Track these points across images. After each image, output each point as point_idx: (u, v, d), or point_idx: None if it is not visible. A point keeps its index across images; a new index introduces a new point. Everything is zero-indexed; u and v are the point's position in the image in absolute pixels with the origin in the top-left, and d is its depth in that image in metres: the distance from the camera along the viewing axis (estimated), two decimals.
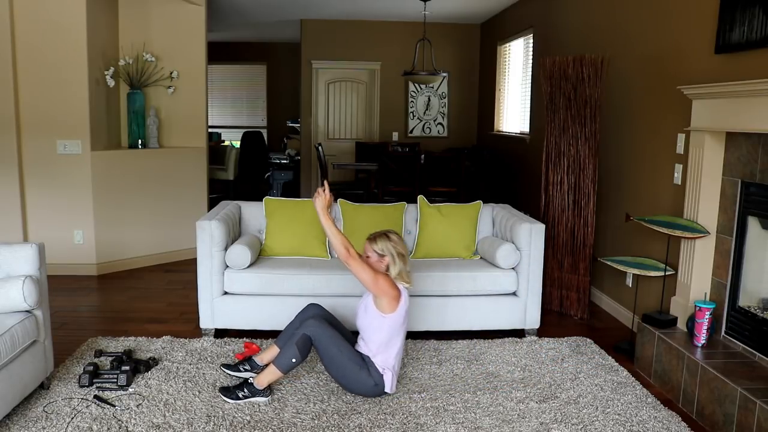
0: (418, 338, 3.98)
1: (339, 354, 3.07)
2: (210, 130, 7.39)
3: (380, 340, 3.14)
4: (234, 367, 3.39)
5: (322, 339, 3.06)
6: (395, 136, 9.19)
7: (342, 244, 3.07)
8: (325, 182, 3.27)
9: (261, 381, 3.08)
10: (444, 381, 3.39)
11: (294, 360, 3.04)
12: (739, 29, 3.22)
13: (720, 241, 3.44)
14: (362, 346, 3.20)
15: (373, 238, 3.20)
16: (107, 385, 3.18)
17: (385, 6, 7.84)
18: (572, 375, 3.50)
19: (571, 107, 4.54)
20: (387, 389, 3.14)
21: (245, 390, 3.07)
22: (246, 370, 3.35)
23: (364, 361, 3.12)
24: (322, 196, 3.18)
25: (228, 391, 3.10)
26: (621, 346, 3.93)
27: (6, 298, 2.84)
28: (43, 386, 3.16)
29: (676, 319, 3.63)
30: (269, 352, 3.34)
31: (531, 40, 6.85)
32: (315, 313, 3.34)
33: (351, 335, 3.35)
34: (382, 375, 3.11)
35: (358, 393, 3.16)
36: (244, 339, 3.91)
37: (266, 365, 3.22)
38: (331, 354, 3.07)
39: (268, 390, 3.11)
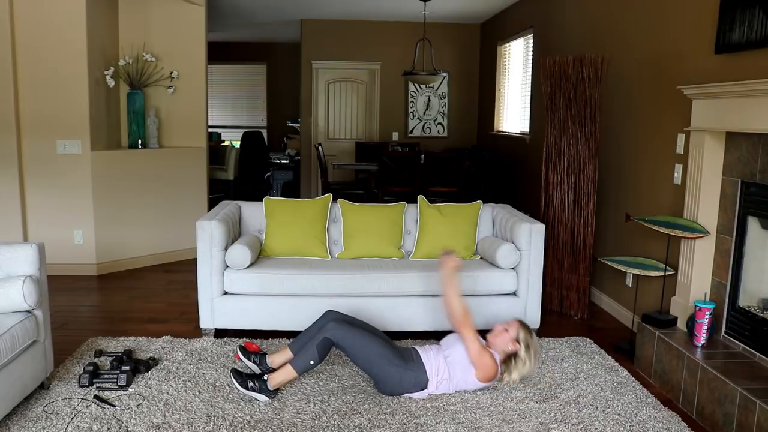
0: (418, 338, 3.99)
1: (365, 349, 3.10)
2: (210, 130, 7.39)
3: (454, 375, 3.19)
4: (246, 353, 3.40)
5: (346, 338, 3.09)
6: (395, 136, 9.19)
7: (464, 309, 3.19)
8: (453, 255, 3.33)
9: (275, 380, 3.09)
10: None
11: (312, 362, 3.07)
12: (739, 29, 3.22)
13: (720, 241, 3.44)
14: (428, 356, 3.22)
15: (525, 325, 3.29)
16: (107, 385, 3.18)
17: (385, 6, 7.84)
18: (572, 375, 3.50)
19: (571, 107, 4.54)
20: (415, 395, 3.16)
21: (256, 383, 3.08)
22: (254, 363, 3.36)
23: (403, 359, 3.15)
24: (454, 262, 3.26)
25: (240, 376, 3.10)
26: (621, 346, 3.93)
27: (6, 298, 2.84)
28: (43, 386, 3.16)
29: (676, 319, 3.63)
30: (281, 354, 3.34)
31: (531, 40, 6.85)
32: (334, 318, 3.34)
33: (381, 332, 3.37)
34: (423, 383, 3.14)
35: (381, 387, 3.16)
36: (244, 339, 3.91)
37: (275, 368, 3.23)
38: (355, 351, 3.10)
39: (275, 392, 3.11)
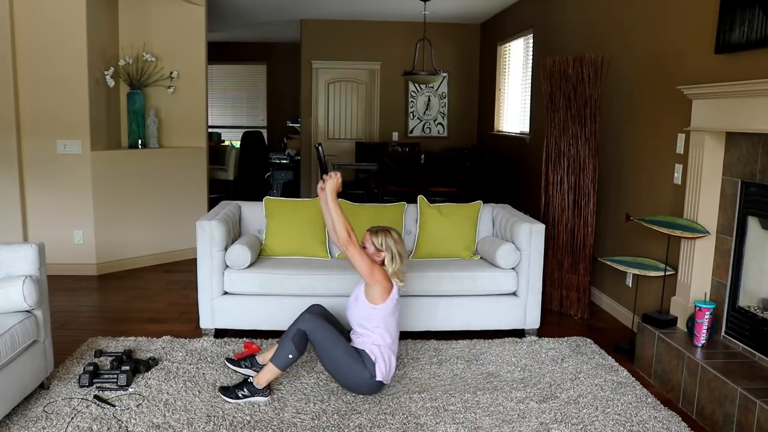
0: (418, 338, 3.98)
1: (333, 347, 3.08)
2: (210, 130, 7.39)
3: (371, 330, 3.16)
4: (236, 362, 3.41)
5: (317, 332, 3.07)
6: (395, 136, 9.19)
7: (345, 228, 3.10)
8: (337, 173, 3.27)
9: (260, 380, 3.09)
10: (444, 381, 3.39)
11: (290, 356, 3.05)
12: (739, 29, 3.22)
13: (720, 241, 3.44)
14: (355, 340, 3.22)
15: (374, 231, 3.25)
16: (107, 385, 3.18)
17: (385, 6, 7.84)
18: (572, 375, 3.50)
19: (571, 107, 4.54)
20: (378, 378, 3.11)
21: (245, 389, 3.08)
22: (247, 367, 3.37)
23: (360, 355, 3.13)
24: (335, 179, 3.18)
25: (228, 391, 3.11)
26: (621, 346, 3.93)
27: (6, 298, 2.84)
28: (43, 386, 3.16)
29: (676, 319, 3.63)
30: (271, 351, 3.34)
31: (531, 40, 6.85)
32: (312, 310, 3.35)
33: (348, 334, 3.36)
34: (374, 364, 3.11)
35: (356, 388, 3.16)
36: (244, 339, 3.91)
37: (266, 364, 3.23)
38: (325, 347, 3.09)
39: (268, 390, 3.11)
